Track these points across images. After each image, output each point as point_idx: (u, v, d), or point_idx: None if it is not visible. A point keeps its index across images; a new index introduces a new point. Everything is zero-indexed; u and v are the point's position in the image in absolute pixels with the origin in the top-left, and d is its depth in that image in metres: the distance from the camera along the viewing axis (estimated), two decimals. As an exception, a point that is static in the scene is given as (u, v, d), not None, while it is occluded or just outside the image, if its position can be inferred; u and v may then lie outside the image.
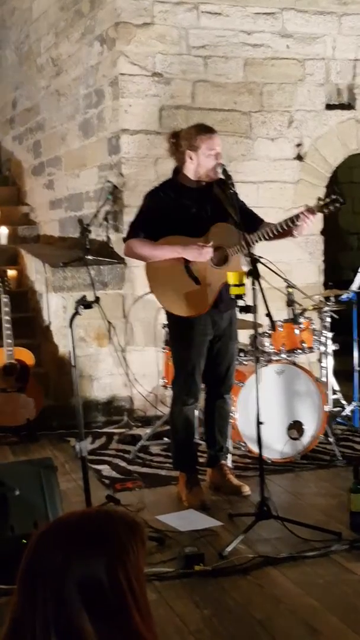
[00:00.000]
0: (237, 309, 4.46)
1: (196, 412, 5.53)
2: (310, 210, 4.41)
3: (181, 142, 4.59)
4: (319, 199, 4.57)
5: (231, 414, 5.05)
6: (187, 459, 4.81)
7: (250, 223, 4.54)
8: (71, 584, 1.43)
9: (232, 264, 4.53)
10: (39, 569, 1.45)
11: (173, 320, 4.74)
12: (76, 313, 3.98)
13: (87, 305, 4.02)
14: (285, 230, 4.46)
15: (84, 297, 4.12)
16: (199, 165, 4.54)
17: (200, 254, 4.47)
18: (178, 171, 4.67)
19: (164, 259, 4.54)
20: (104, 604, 1.45)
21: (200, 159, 4.52)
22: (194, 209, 4.58)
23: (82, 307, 3.99)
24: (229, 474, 4.87)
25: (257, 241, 4.46)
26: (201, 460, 5.03)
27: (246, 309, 4.19)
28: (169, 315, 4.75)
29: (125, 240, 4.70)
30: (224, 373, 4.80)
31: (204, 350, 4.67)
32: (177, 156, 4.64)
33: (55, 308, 6.74)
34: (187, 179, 4.62)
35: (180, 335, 4.69)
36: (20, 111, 9.88)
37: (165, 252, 4.53)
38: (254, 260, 4.21)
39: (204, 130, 4.60)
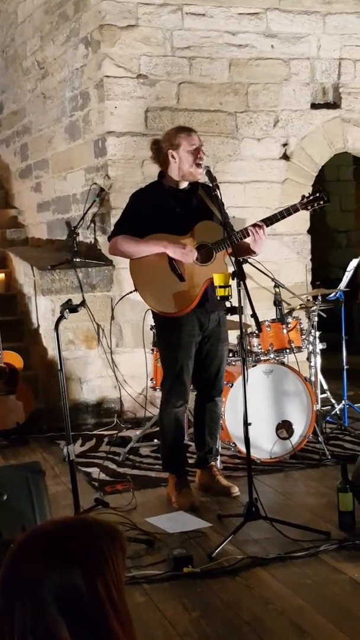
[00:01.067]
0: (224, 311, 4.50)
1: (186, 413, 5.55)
2: (259, 226, 4.50)
3: (162, 144, 4.64)
4: (303, 196, 4.62)
5: (222, 416, 5.05)
6: (177, 460, 4.82)
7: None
8: (48, 594, 1.43)
9: (217, 261, 4.54)
10: (16, 578, 1.45)
11: (159, 322, 4.75)
12: (62, 317, 3.97)
13: (73, 309, 4.02)
14: (239, 242, 4.48)
15: (70, 300, 4.12)
16: (181, 162, 4.57)
17: (184, 255, 4.49)
18: (163, 174, 4.69)
19: (148, 256, 4.56)
20: (82, 613, 1.45)
21: (182, 155, 4.56)
22: (178, 209, 4.61)
23: (67, 311, 3.99)
24: (218, 475, 4.88)
25: (238, 240, 4.48)
26: (191, 461, 5.03)
27: (232, 310, 4.20)
28: (156, 317, 4.76)
29: (109, 238, 4.73)
30: (213, 375, 4.80)
31: (192, 352, 4.67)
32: (161, 160, 4.68)
33: (44, 311, 6.73)
34: (172, 181, 4.65)
35: (167, 337, 4.69)
36: (6, 114, 9.86)
37: (150, 247, 4.55)
38: (239, 261, 4.23)
39: (183, 129, 4.71)
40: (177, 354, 4.63)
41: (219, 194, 4.39)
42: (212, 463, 4.93)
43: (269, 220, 4.61)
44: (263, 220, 4.58)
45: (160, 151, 4.64)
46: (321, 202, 4.64)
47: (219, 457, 5.10)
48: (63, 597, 1.43)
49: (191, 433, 5.82)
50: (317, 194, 4.63)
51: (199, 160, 4.55)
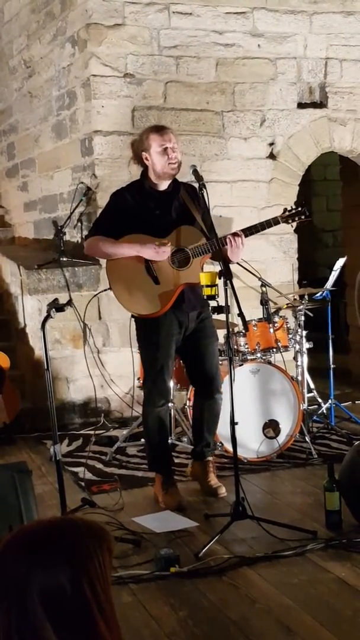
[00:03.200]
0: (209, 309, 4.51)
1: (172, 412, 5.56)
2: (237, 235, 4.50)
3: (136, 146, 4.64)
4: (285, 210, 4.67)
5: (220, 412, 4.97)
6: (162, 460, 4.80)
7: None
8: (34, 595, 1.42)
9: (194, 266, 4.53)
10: (1, 580, 1.45)
11: (138, 322, 4.75)
12: (48, 316, 3.96)
13: (59, 308, 4.01)
14: (217, 249, 4.46)
15: (56, 300, 4.11)
16: (153, 164, 4.55)
17: (157, 253, 4.47)
18: (145, 174, 4.68)
19: (125, 257, 4.54)
20: (68, 614, 1.44)
21: (153, 157, 4.54)
22: (158, 211, 4.59)
23: (54, 310, 3.98)
24: (210, 473, 4.87)
25: (218, 247, 4.46)
26: (177, 460, 5.04)
27: (218, 309, 4.20)
28: (134, 317, 4.76)
29: (86, 237, 4.73)
30: (209, 372, 4.78)
31: (172, 351, 4.66)
32: (138, 162, 4.67)
33: (30, 310, 6.72)
34: (152, 182, 4.63)
35: (146, 336, 4.69)
36: (-7, 113, 9.84)
37: (123, 250, 4.53)
38: (226, 260, 4.24)
39: (154, 129, 4.64)
40: (156, 353, 4.62)
41: (205, 194, 4.36)
42: (209, 458, 4.92)
43: (249, 231, 4.61)
44: (242, 230, 4.58)
45: (137, 153, 4.64)
46: (302, 217, 4.66)
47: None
48: (48, 597, 1.43)
49: (178, 433, 5.83)
50: (299, 208, 4.67)
51: (171, 160, 4.50)
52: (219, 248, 4.40)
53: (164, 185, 4.63)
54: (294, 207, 4.71)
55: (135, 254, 4.50)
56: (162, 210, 4.58)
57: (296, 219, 4.66)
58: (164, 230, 4.54)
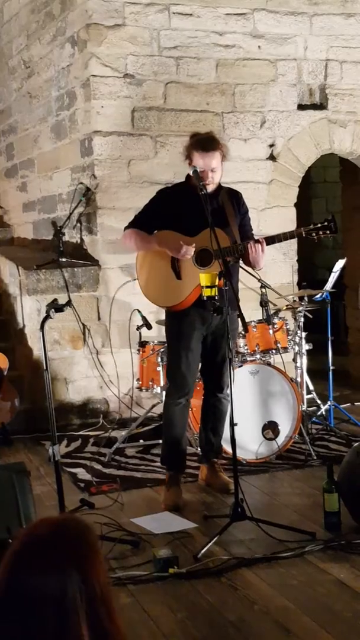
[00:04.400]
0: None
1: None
2: (257, 241, 4.57)
3: (185, 148, 4.71)
4: (312, 223, 4.71)
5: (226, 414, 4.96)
6: (172, 456, 4.84)
7: (241, 237, 4.71)
8: (71, 594, 1.44)
9: (215, 267, 4.56)
10: (22, 589, 1.44)
11: (166, 315, 4.88)
12: (47, 317, 3.95)
13: (59, 308, 4.00)
14: (241, 255, 4.65)
15: (55, 300, 4.10)
16: (191, 176, 4.63)
17: (180, 252, 4.55)
18: (190, 176, 4.73)
19: (154, 250, 4.70)
20: (93, 613, 1.46)
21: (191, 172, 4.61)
22: (194, 211, 4.60)
23: (53, 310, 3.96)
24: (219, 471, 4.93)
25: (240, 252, 4.58)
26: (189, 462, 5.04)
27: (218, 310, 4.19)
28: (165, 312, 4.88)
29: (125, 228, 4.84)
30: (216, 370, 4.83)
31: (192, 344, 4.71)
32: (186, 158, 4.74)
33: (29, 311, 6.71)
34: (194, 183, 4.66)
35: (170, 326, 4.82)
36: (-8, 113, 9.83)
37: (151, 245, 4.70)
38: (225, 261, 4.26)
39: (199, 146, 4.62)
40: (178, 346, 4.72)
41: (206, 193, 4.41)
42: (215, 460, 4.96)
43: (271, 240, 4.69)
44: (265, 238, 4.64)
45: (185, 152, 4.71)
46: (327, 232, 4.69)
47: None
48: (81, 597, 1.44)
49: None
50: (326, 223, 4.68)
51: (205, 182, 4.54)
52: (240, 252, 4.55)
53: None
54: (321, 222, 4.72)
55: (162, 249, 4.63)
56: (198, 211, 4.56)
57: (320, 233, 4.67)
58: (194, 230, 4.60)
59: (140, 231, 4.73)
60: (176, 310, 4.70)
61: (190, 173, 4.56)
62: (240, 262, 4.79)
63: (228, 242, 4.57)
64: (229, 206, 4.69)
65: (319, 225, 4.69)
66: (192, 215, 4.59)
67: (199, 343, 4.74)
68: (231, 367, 4.23)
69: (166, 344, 5.00)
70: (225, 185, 4.84)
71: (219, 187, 4.75)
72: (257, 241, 4.57)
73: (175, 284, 4.66)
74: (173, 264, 4.68)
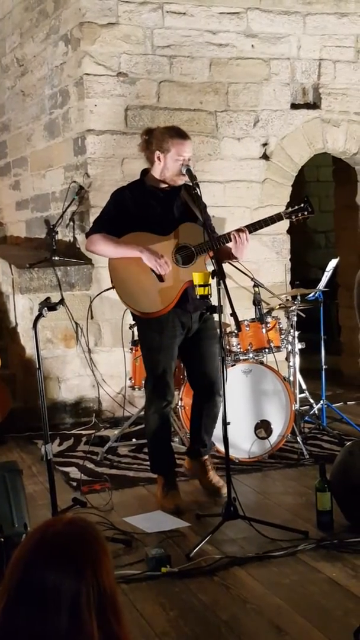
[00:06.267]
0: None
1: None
2: (241, 230, 4.45)
3: (153, 140, 4.56)
4: (288, 205, 4.62)
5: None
6: (163, 461, 4.75)
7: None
8: (84, 593, 1.46)
9: (198, 263, 4.51)
10: (36, 589, 1.47)
11: (140, 323, 4.71)
12: (40, 315, 3.94)
13: (51, 307, 3.98)
14: (222, 246, 4.49)
15: (48, 298, 4.09)
16: (165, 168, 4.52)
17: (158, 264, 4.43)
18: (146, 172, 4.65)
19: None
20: (102, 611, 1.48)
21: (168, 162, 4.50)
22: (160, 209, 4.55)
23: (46, 309, 3.95)
24: (210, 472, 4.85)
25: (221, 244, 4.45)
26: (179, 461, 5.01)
27: (212, 309, 4.19)
28: (136, 317, 4.72)
29: (87, 234, 4.69)
30: (210, 375, 4.72)
31: (174, 353, 4.62)
32: (147, 154, 4.62)
33: (22, 309, 6.70)
34: (154, 180, 4.59)
35: (148, 338, 4.64)
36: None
37: (124, 251, 4.50)
38: (219, 260, 4.21)
39: (177, 134, 4.54)
40: (158, 356, 4.58)
41: (199, 192, 4.35)
42: (206, 458, 4.89)
43: (252, 227, 4.55)
44: (247, 226, 4.52)
45: (148, 145, 4.58)
46: (305, 213, 4.60)
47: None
48: (90, 597, 1.47)
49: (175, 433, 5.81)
50: (302, 205, 4.60)
51: (182, 167, 4.47)
52: (220, 246, 4.40)
53: (164, 185, 4.59)
54: (295, 204, 4.65)
55: (137, 256, 4.46)
56: (164, 208, 4.54)
57: (299, 215, 4.60)
58: (167, 228, 4.51)
59: (107, 235, 4.54)
60: (156, 317, 4.53)
61: (183, 172, 4.46)
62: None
63: (201, 236, 4.44)
64: (191, 201, 4.56)
65: (296, 207, 4.59)
66: (159, 214, 4.52)
67: (177, 348, 4.63)
68: (224, 367, 4.20)
69: (143, 352, 4.78)
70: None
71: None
72: (240, 230, 4.47)
73: (159, 287, 4.50)
74: None
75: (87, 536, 1.53)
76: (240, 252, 4.49)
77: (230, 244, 4.49)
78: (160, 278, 4.50)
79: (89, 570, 1.47)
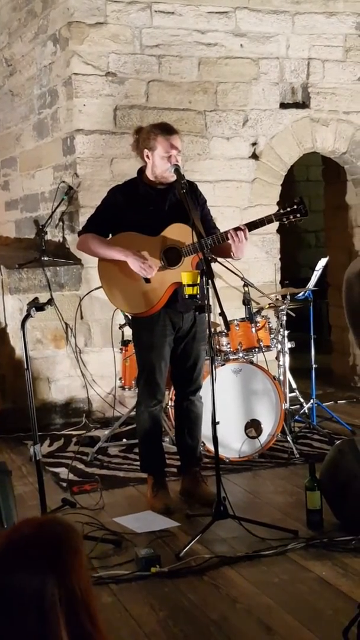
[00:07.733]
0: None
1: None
2: (240, 229, 4.39)
3: (140, 138, 4.54)
4: (280, 207, 4.57)
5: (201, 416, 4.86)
6: (153, 461, 4.74)
7: (205, 230, 4.47)
8: (50, 601, 1.44)
9: (185, 264, 4.49)
10: (7, 593, 1.45)
11: (133, 322, 4.73)
12: (28, 315, 3.93)
13: (40, 307, 3.97)
14: (219, 245, 4.43)
15: (36, 299, 4.08)
16: (154, 166, 4.50)
17: (142, 268, 4.42)
18: (142, 171, 4.64)
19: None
20: (72, 615, 1.46)
21: (155, 160, 4.48)
22: (152, 207, 4.53)
23: (34, 309, 3.94)
24: (202, 482, 4.75)
25: (209, 246, 4.40)
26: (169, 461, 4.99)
27: (200, 309, 4.18)
28: (130, 317, 4.72)
29: (79, 233, 4.69)
30: (188, 374, 4.72)
31: (165, 352, 4.61)
32: (137, 153, 4.61)
33: (11, 310, 6.68)
34: (148, 179, 4.58)
35: (139, 337, 4.65)
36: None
37: (112, 253, 4.50)
38: (207, 260, 4.19)
39: (163, 130, 4.50)
40: (149, 355, 4.58)
41: (186, 191, 4.32)
42: (197, 469, 4.82)
43: (253, 225, 4.48)
44: (246, 224, 4.46)
45: (137, 144, 4.56)
46: (298, 215, 4.48)
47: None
48: (60, 599, 1.44)
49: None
50: (297, 206, 4.48)
51: (171, 166, 4.44)
52: (212, 245, 4.36)
53: (160, 183, 4.55)
54: (289, 205, 4.54)
55: (123, 259, 4.46)
56: (155, 207, 4.51)
57: (291, 217, 4.49)
58: (156, 228, 4.49)
59: (97, 236, 4.54)
60: (146, 316, 4.53)
61: (171, 171, 4.45)
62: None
63: (190, 237, 4.36)
64: (185, 199, 4.43)
65: (289, 209, 4.50)
66: (150, 212, 4.50)
67: (169, 348, 4.64)
68: (213, 366, 4.20)
69: (135, 350, 4.78)
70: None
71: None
72: (238, 228, 4.41)
73: (146, 288, 4.49)
74: None
75: (55, 537, 1.50)
76: (239, 250, 4.46)
77: (229, 242, 4.42)
78: (147, 280, 4.49)
79: (56, 572, 1.45)
